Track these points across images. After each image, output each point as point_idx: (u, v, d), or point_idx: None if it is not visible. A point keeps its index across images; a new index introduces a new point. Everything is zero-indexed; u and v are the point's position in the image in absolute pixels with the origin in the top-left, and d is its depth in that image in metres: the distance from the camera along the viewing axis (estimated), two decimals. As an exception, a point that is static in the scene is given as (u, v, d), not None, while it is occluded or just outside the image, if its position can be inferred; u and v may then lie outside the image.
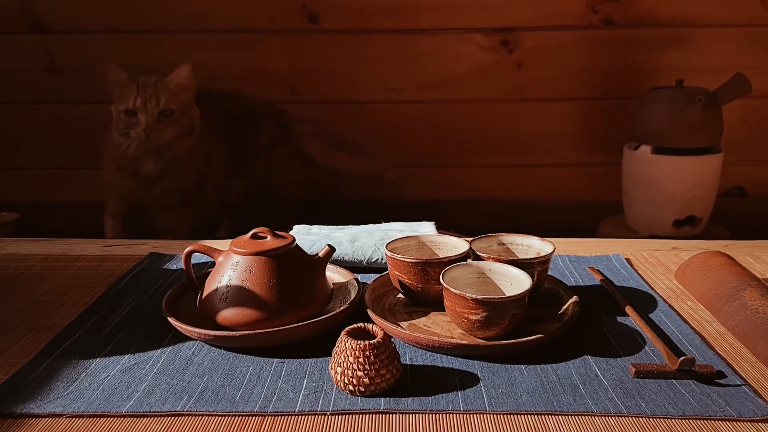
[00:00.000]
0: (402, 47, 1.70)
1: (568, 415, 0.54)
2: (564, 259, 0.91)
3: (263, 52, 1.70)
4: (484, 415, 0.54)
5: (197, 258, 0.90)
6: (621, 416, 0.54)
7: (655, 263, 0.91)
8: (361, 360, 0.56)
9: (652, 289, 0.81)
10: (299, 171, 1.80)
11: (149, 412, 0.54)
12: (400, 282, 0.73)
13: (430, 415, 0.54)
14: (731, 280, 0.74)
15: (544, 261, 0.72)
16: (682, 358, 0.58)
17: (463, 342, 0.63)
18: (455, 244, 0.77)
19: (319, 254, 0.72)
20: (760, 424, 0.53)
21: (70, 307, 0.76)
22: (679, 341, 0.67)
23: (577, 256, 0.92)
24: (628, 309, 0.72)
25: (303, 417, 0.54)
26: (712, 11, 1.65)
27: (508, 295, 0.63)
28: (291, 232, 0.92)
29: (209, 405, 0.55)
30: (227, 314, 0.66)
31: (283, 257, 0.68)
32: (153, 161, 1.53)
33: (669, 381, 0.59)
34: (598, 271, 0.85)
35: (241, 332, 0.64)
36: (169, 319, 0.67)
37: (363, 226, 0.99)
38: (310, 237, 0.92)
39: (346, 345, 0.57)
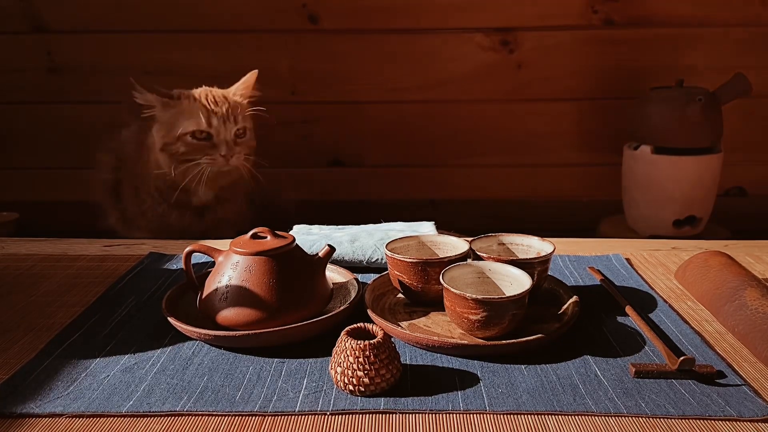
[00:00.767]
0: (402, 47, 1.70)
1: (568, 415, 0.54)
2: (564, 259, 0.91)
3: (263, 52, 1.69)
4: (484, 415, 0.54)
5: (197, 258, 0.90)
6: (621, 416, 0.54)
7: (655, 263, 0.91)
8: (361, 360, 0.56)
9: (652, 289, 0.81)
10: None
11: (149, 412, 0.54)
12: (400, 282, 0.73)
13: (430, 415, 0.54)
14: (731, 280, 0.74)
15: (544, 261, 0.72)
16: (682, 358, 0.58)
17: (463, 342, 0.63)
18: (455, 244, 0.77)
19: (319, 254, 0.72)
20: (760, 424, 0.53)
21: (70, 307, 0.76)
22: (679, 341, 0.67)
23: (577, 256, 0.92)
24: (628, 309, 0.72)
25: (303, 417, 0.54)
26: (712, 11, 1.65)
27: (508, 295, 0.63)
28: (291, 232, 0.92)
29: (209, 405, 0.55)
30: (227, 314, 0.66)
31: (283, 257, 0.68)
32: (207, 188, 1.24)
33: (669, 381, 0.59)
34: (598, 271, 0.85)
35: (241, 332, 0.64)
36: (169, 319, 0.67)
37: (363, 226, 0.99)
38: (310, 237, 0.92)
39: (346, 345, 0.57)
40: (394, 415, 0.54)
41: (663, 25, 1.67)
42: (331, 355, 0.59)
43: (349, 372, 0.56)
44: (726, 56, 1.67)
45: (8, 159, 1.81)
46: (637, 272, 0.86)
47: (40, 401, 0.56)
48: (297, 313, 0.66)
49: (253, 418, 0.54)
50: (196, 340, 0.67)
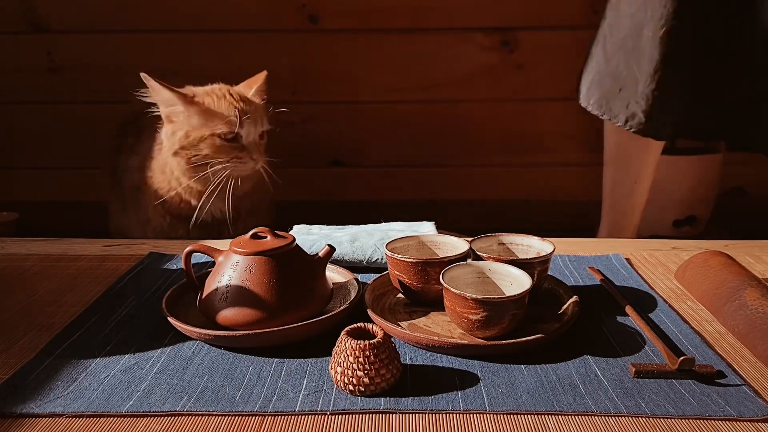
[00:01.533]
0: (402, 47, 1.70)
1: (568, 415, 0.54)
2: (564, 259, 0.91)
3: (263, 52, 1.69)
4: (484, 415, 0.54)
5: (197, 258, 0.90)
6: (621, 416, 0.54)
7: (655, 263, 0.91)
8: (361, 360, 0.56)
9: (652, 289, 0.81)
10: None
11: (149, 412, 0.54)
12: (400, 282, 0.73)
13: (430, 415, 0.54)
14: (731, 280, 0.74)
15: (544, 261, 0.72)
16: (682, 358, 0.58)
17: (463, 342, 0.63)
18: (455, 244, 0.77)
19: (319, 254, 0.72)
20: (760, 424, 0.53)
21: (70, 307, 0.76)
22: (679, 341, 0.67)
23: (577, 256, 0.92)
24: (628, 309, 0.72)
25: (303, 417, 0.54)
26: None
27: (508, 295, 0.63)
28: (291, 232, 0.92)
29: (209, 405, 0.55)
30: (227, 314, 0.66)
31: (283, 257, 0.68)
32: (217, 201, 1.13)
33: (669, 381, 0.59)
34: (598, 271, 0.85)
35: (241, 332, 0.64)
36: (169, 319, 0.67)
37: (363, 226, 0.99)
38: (310, 237, 0.92)
39: (346, 345, 0.57)
40: (394, 415, 0.54)
41: (663, 25, 1.66)
42: (331, 355, 0.59)
43: (349, 372, 0.56)
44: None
45: (8, 159, 1.81)
46: (637, 272, 0.86)
47: (40, 401, 0.56)
48: (297, 313, 0.66)
49: (253, 418, 0.54)
50: (196, 340, 0.67)
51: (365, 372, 0.56)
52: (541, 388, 0.57)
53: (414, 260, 0.70)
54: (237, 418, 0.54)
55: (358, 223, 1.02)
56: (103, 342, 0.67)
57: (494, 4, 1.66)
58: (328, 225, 1.02)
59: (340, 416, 0.54)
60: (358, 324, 0.61)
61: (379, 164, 1.81)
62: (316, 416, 0.54)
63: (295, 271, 0.68)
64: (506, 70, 1.71)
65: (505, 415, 0.54)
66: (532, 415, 0.54)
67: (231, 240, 0.71)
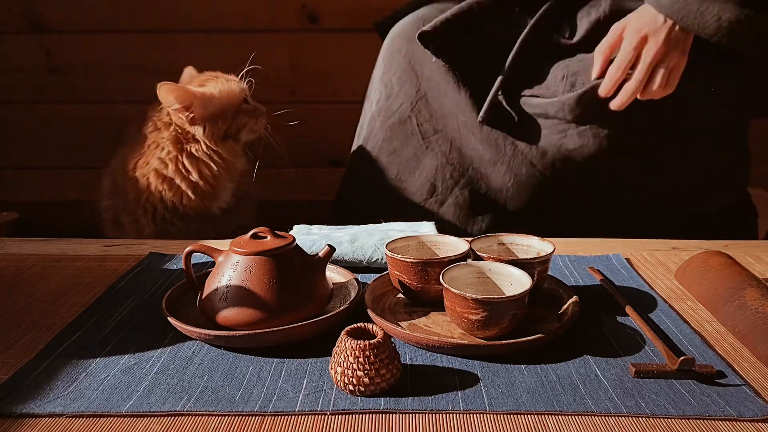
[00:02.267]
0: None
1: (568, 415, 0.54)
2: (564, 259, 0.91)
3: (263, 52, 1.69)
4: (484, 415, 0.54)
5: (197, 258, 0.90)
6: (621, 416, 0.54)
7: (655, 263, 0.91)
8: (361, 360, 0.56)
9: (652, 289, 0.81)
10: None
11: (149, 412, 0.54)
12: (400, 282, 0.73)
13: (430, 415, 0.54)
14: (731, 280, 0.74)
15: (544, 261, 0.72)
16: (682, 358, 0.58)
17: (463, 342, 0.63)
18: (455, 244, 0.77)
19: (319, 254, 0.72)
20: (760, 424, 0.53)
21: (70, 307, 0.76)
22: (679, 341, 0.67)
23: (577, 256, 0.92)
24: (628, 309, 0.72)
25: (303, 417, 0.54)
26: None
27: (508, 295, 0.63)
28: (291, 232, 0.92)
29: (209, 405, 0.55)
30: (227, 314, 0.66)
31: (283, 257, 0.68)
32: (228, 190, 1.22)
33: (669, 381, 0.59)
34: (598, 271, 0.85)
35: (241, 332, 0.64)
36: (169, 319, 0.67)
37: (363, 226, 0.99)
38: (310, 237, 0.92)
39: (346, 345, 0.57)
40: (394, 415, 0.54)
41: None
42: (331, 355, 0.59)
43: (349, 372, 0.56)
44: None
45: (8, 159, 1.81)
46: (637, 272, 0.86)
47: (40, 401, 0.56)
48: (297, 313, 0.66)
49: (253, 418, 0.54)
50: (196, 340, 0.67)
51: (365, 372, 0.56)
52: (541, 388, 0.57)
53: (414, 260, 0.70)
54: (237, 418, 0.54)
55: (359, 223, 1.02)
56: (103, 342, 0.67)
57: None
58: (328, 225, 1.02)
59: (340, 416, 0.54)
60: (358, 324, 0.61)
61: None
62: (316, 416, 0.54)
63: (295, 271, 0.68)
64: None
65: (505, 415, 0.54)
66: (532, 415, 0.54)
67: (231, 240, 0.71)
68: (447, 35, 1.07)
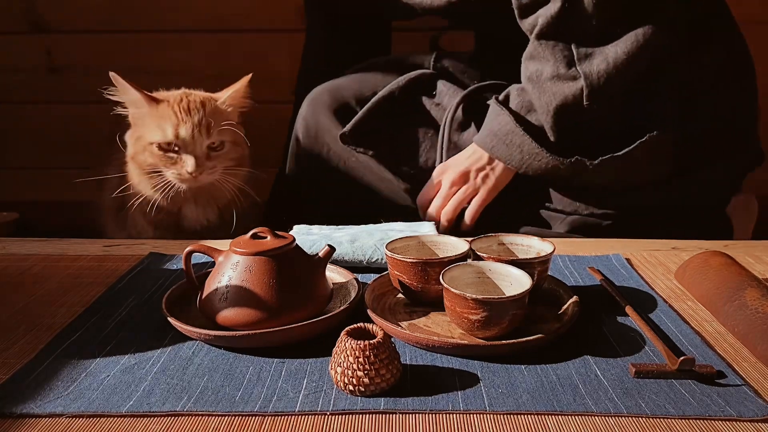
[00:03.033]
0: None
1: (568, 415, 0.54)
2: (564, 259, 0.91)
3: (263, 52, 1.69)
4: (484, 415, 0.54)
5: (197, 258, 0.90)
6: (621, 416, 0.54)
7: (655, 263, 0.91)
8: (361, 360, 0.56)
9: (652, 289, 0.81)
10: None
11: (149, 412, 0.54)
12: (400, 282, 0.73)
13: (430, 415, 0.54)
14: (731, 280, 0.74)
15: (544, 261, 0.72)
16: (682, 358, 0.58)
17: (463, 342, 0.63)
18: (455, 244, 0.77)
19: (319, 254, 0.72)
20: (760, 424, 0.53)
21: (70, 307, 0.76)
22: (679, 341, 0.67)
23: (577, 256, 0.92)
24: (628, 309, 0.72)
25: (303, 417, 0.54)
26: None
27: (508, 295, 0.63)
28: (291, 232, 0.92)
29: (209, 405, 0.55)
30: (227, 314, 0.66)
31: (283, 257, 0.68)
32: (198, 209, 1.13)
33: (669, 381, 0.59)
34: (598, 271, 0.85)
35: (241, 332, 0.64)
36: (169, 319, 0.67)
37: (363, 226, 0.99)
38: (310, 237, 0.92)
39: (346, 345, 0.57)
40: (394, 415, 0.54)
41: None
42: (331, 355, 0.59)
43: (349, 372, 0.56)
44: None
45: (8, 159, 1.81)
46: (637, 272, 0.86)
47: (40, 401, 0.56)
48: (297, 313, 0.66)
49: (253, 418, 0.54)
50: (196, 340, 0.67)
51: (365, 372, 0.56)
52: (541, 388, 0.57)
53: (414, 260, 0.70)
54: (237, 418, 0.54)
55: (359, 223, 1.02)
56: (103, 342, 0.67)
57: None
58: (328, 225, 1.02)
59: (340, 416, 0.54)
60: (358, 324, 0.60)
61: (379, 164, 1.80)
62: (316, 416, 0.54)
63: (295, 272, 0.68)
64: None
65: (505, 415, 0.54)
66: (532, 415, 0.54)
67: (231, 240, 0.71)
68: (364, 131, 1.15)
